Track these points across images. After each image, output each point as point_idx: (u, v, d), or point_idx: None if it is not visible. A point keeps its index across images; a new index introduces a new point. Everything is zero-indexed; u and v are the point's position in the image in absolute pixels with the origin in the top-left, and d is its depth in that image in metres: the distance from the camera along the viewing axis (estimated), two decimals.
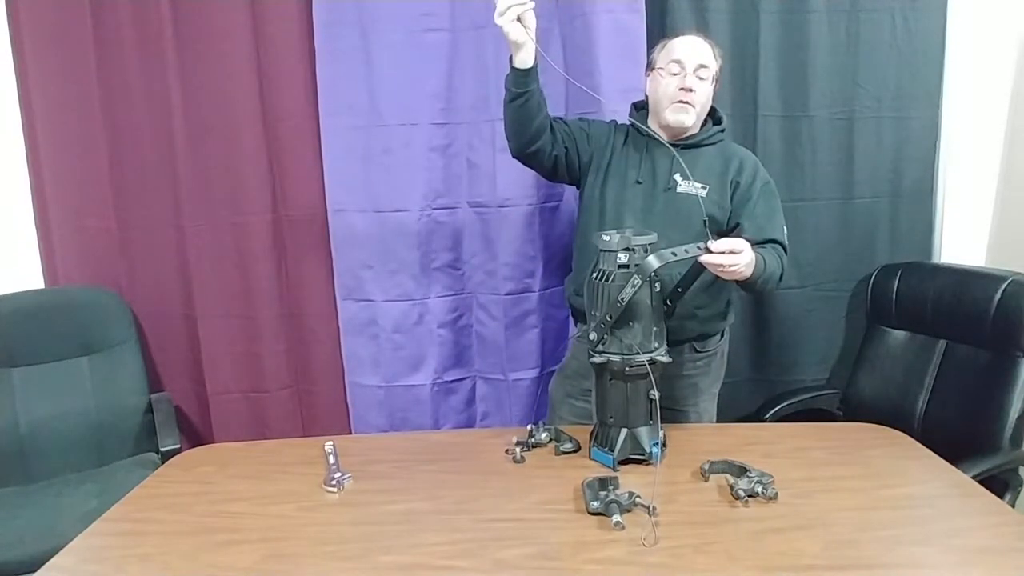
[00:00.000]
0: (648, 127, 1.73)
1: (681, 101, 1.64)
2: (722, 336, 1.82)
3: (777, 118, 2.14)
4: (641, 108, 1.78)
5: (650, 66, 1.73)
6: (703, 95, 1.66)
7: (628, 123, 1.76)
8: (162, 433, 2.06)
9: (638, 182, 1.69)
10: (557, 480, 1.40)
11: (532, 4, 1.49)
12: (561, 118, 1.77)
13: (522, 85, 1.58)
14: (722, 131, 1.73)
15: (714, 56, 1.67)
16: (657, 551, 1.15)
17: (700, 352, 1.77)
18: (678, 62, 1.64)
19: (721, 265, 1.38)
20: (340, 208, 2.12)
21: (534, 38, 1.53)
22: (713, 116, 1.75)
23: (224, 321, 2.23)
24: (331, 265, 2.17)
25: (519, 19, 1.49)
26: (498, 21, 1.49)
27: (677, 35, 1.72)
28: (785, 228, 1.67)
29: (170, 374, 2.35)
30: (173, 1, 2.04)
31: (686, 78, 1.63)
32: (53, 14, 2.10)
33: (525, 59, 1.55)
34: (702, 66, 1.64)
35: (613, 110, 1.87)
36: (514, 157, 1.73)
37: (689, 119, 1.65)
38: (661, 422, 1.44)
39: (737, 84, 2.11)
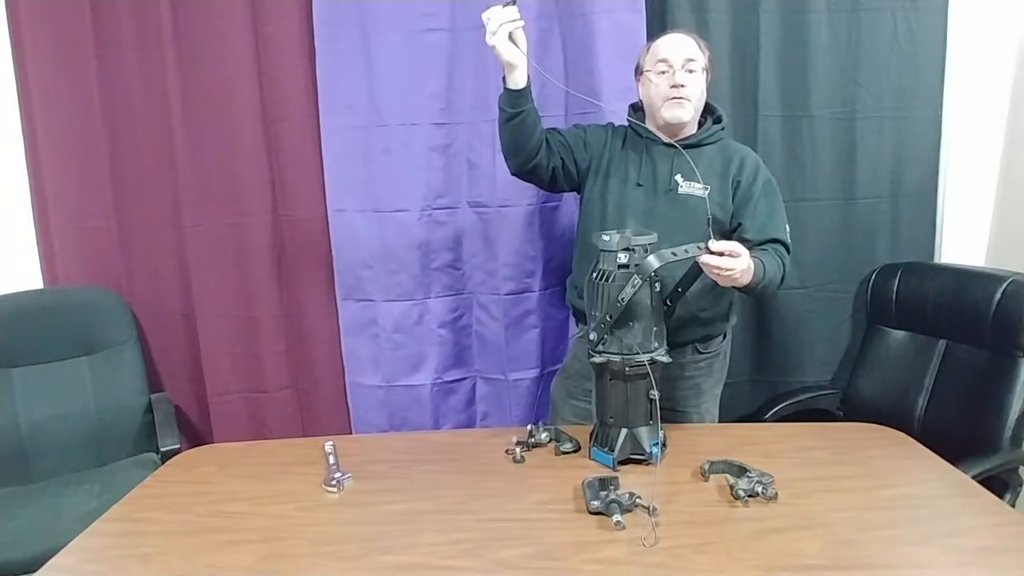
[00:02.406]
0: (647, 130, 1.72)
1: (675, 98, 1.62)
2: (725, 337, 1.82)
3: (778, 118, 2.13)
4: (639, 109, 1.77)
5: (638, 71, 1.72)
6: (696, 88, 1.65)
7: (626, 125, 1.75)
8: (162, 433, 2.06)
9: (639, 184, 1.68)
10: (557, 480, 1.40)
11: (522, 22, 1.48)
12: (556, 129, 1.76)
13: (517, 105, 1.57)
14: (722, 129, 1.72)
15: (700, 48, 1.65)
16: (657, 551, 1.15)
17: (703, 353, 1.77)
18: (664, 60, 1.63)
19: (718, 267, 1.36)
20: (340, 208, 2.13)
21: (527, 57, 1.53)
22: (713, 115, 1.74)
23: (224, 321, 2.22)
24: (331, 265, 2.17)
25: (511, 38, 1.48)
26: (490, 42, 1.47)
27: (659, 36, 1.71)
28: (788, 226, 1.66)
29: (170, 374, 2.35)
30: (173, 1, 2.04)
31: (675, 74, 1.61)
32: (53, 14, 2.10)
33: (518, 80, 1.54)
34: (689, 59, 1.62)
35: (612, 111, 1.87)
36: (513, 175, 1.73)
37: (686, 114, 1.64)
38: (664, 423, 1.44)
39: (737, 84, 2.11)
